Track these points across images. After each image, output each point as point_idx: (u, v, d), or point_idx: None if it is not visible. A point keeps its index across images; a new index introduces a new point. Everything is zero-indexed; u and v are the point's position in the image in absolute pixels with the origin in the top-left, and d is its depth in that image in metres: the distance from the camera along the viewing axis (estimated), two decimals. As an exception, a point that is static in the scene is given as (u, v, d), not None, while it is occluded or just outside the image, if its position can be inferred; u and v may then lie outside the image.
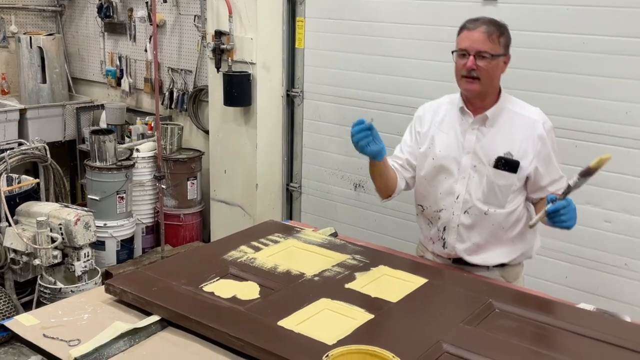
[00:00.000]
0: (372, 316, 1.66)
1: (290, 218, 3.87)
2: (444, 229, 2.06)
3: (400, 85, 3.23)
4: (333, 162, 3.67)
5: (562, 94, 2.80)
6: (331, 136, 3.66)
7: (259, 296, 1.76)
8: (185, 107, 4.20)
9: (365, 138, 1.83)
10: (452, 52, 1.93)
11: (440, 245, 2.09)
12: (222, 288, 1.80)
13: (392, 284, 1.85)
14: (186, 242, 4.08)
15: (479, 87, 1.90)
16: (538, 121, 1.94)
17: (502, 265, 2.06)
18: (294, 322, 1.62)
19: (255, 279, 1.86)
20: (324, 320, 1.65)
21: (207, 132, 4.05)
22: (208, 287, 1.80)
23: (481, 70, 1.87)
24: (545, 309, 1.76)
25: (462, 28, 1.92)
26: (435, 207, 2.07)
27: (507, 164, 1.94)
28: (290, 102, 3.76)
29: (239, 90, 3.54)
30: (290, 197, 3.93)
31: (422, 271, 1.95)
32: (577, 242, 2.89)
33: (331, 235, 2.27)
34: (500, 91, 1.98)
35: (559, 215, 1.76)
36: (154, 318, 1.66)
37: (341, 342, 1.51)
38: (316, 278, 1.88)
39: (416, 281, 1.89)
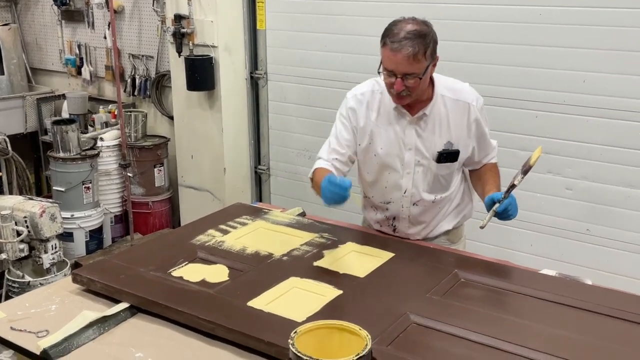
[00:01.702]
0: (340, 292, 1.68)
1: (260, 200, 3.87)
2: (394, 218, 2.10)
3: (364, 63, 3.22)
4: (300, 142, 3.67)
5: (520, 65, 2.84)
6: (297, 117, 3.65)
7: (228, 278, 1.76)
8: (148, 93, 4.15)
9: (339, 203, 1.77)
10: (379, 68, 1.85)
11: (390, 230, 2.13)
12: (191, 272, 1.79)
13: (359, 260, 1.86)
14: (156, 230, 4.05)
15: (411, 99, 1.89)
16: (471, 103, 1.95)
17: (446, 231, 2.13)
18: (263, 302, 1.62)
19: (224, 261, 1.86)
20: (293, 299, 1.66)
21: (171, 118, 4.01)
22: (177, 272, 1.79)
23: (411, 89, 1.84)
24: (509, 276, 1.79)
25: (385, 44, 1.80)
26: (381, 199, 2.09)
27: (448, 156, 1.98)
28: (255, 84, 3.73)
29: (201, 74, 3.50)
30: (259, 180, 3.92)
31: (389, 246, 1.97)
32: (540, 210, 2.96)
33: (299, 215, 2.28)
34: (433, 83, 1.95)
35: (506, 212, 1.84)
36: (123, 305, 1.65)
37: (310, 319, 1.52)
38: (285, 258, 1.89)
39: (383, 256, 1.90)
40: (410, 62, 1.78)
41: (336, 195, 1.73)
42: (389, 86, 1.86)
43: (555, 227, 2.92)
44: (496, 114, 2.92)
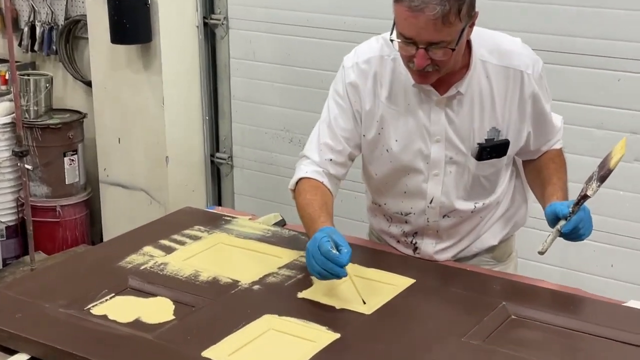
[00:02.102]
0: (337, 335, 1.68)
1: (219, 204, 3.88)
2: (415, 234, 2.14)
3: (372, 2, 3.22)
4: (276, 119, 3.67)
5: (593, 5, 2.87)
6: (272, 82, 3.65)
7: (173, 317, 1.76)
8: (54, 48, 4.13)
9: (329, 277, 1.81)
10: (391, 33, 1.83)
11: (410, 249, 2.16)
12: (119, 309, 1.80)
13: (365, 289, 1.86)
14: (67, 247, 4.05)
15: (438, 75, 1.88)
16: (526, 72, 1.95)
17: (490, 248, 2.17)
18: (225, 352, 1.62)
19: (168, 292, 1.86)
20: (268, 347, 1.65)
21: (89, 84, 4.00)
22: (98, 309, 1.79)
23: (439, 63, 1.83)
24: (581, 311, 1.81)
25: (399, 1, 1.77)
26: (397, 209, 2.12)
27: (494, 149, 2.00)
28: (210, 34, 3.73)
29: (132, 20, 3.49)
30: (217, 174, 3.92)
31: (408, 268, 1.98)
32: (625, 216, 2.98)
33: (277, 224, 2.29)
34: (469, 44, 1.92)
35: (576, 232, 1.87)
36: (22, 358, 1.65)
37: (294, 375, 1.54)
38: (256, 287, 1.89)
39: (399, 283, 1.91)
40: (438, 26, 1.75)
41: (327, 274, 1.78)
42: (407, 59, 1.85)
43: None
44: (560, 76, 2.94)
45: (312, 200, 1.98)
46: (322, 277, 1.80)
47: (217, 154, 3.87)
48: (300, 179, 2.03)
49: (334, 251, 1.78)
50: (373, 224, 2.25)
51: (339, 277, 1.78)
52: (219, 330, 1.69)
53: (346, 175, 2.11)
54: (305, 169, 2.04)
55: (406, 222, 2.12)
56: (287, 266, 1.98)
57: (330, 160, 2.03)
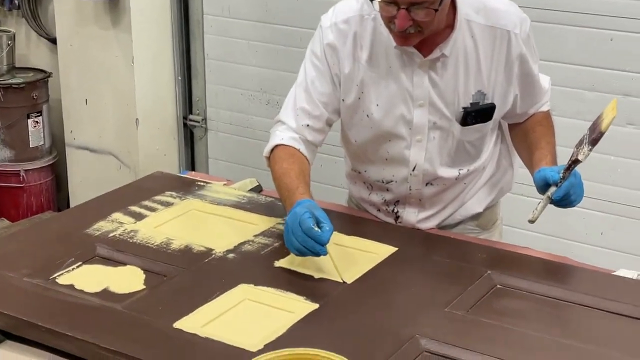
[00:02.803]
0: (316, 306, 1.69)
1: (192, 168, 3.88)
2: (397, 203, 2.15)
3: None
4: (253, 80, 3.66)
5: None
6: (248, 40, 3.64)
7: (144, 287, 1.77)
8: (17, 2, 4.08)
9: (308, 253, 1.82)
10: None
11: (391, 218, 2.17)
12: (87, 278, 1.80)
13: (345, 257, 1.88)
14: (32, 214, 4.02)
15: (421, 37, 1.87)
16: (513, 31, 1.95)
17: (475, 215, 2.19)
18: (198, 323, 1.62)
19: (138, 261, 1.87)
20: (243, 317, 1.67)
21: (54, 41, 3.97)
22: (64, 278, 1.79)
23: (421, 23, 1.82)
24: (569, 280, 1.82)
25: None
26: (378, 176, 2.13)
27: (479, 114, 2.00)
28: (183, -14, 3.76)
29: (99, -29, 3.49)
30: (190, 137, 3.93)
31: (390, 236, 1.99)
32: (615, 182, 3.00)
33: (253, 190, 2.30)
34: (455, 6, 1.91)
35: (567, 199, 1.88)
36: (-16, 329, 1.67)
37: (270, 347, 1.52)
38: (230, 255, 1.90)
39: (380, 251, 1.92)
40: None
41: (307, 251, 1.79)
42: (388, 20, 1.85)
43: (638, 206, 2.98)
44: (550, 35, 2.94)
45: (289, 169, 1.97)
46: (301, 253, 1.80)
47: (190, 116, 3.87)
48: (276, 146, 2.02)
49: (316, 229, 1.78)
50: (352, 191, 2.26)
51: (318, 255, 1.79)
52: (191, 300, 1.69)
53: (324, 142, 2.10)
54: (280, 136, 2.03)
55: (387, 190, 2.12)
56: (264, 234, 1.99)
57: (307, 126, 2.03)
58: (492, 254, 1.94)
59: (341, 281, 1.79)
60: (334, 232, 1.85)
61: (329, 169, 3.24)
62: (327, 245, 1.78)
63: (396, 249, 1.93)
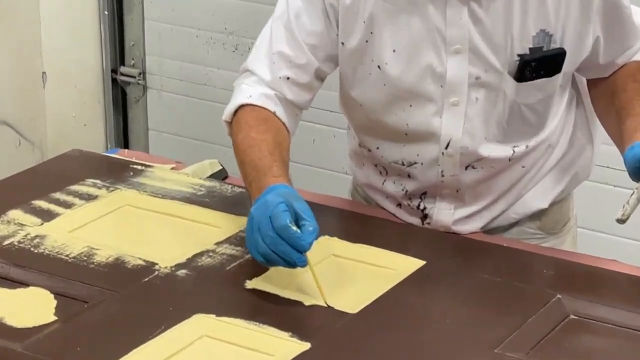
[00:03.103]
0: (306, 346, 1.66)
1: (125, 145, 3.95)
2: (423, 195, 2.15)
3: None
4: (215, 15, 3.70)
5: None
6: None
7: (55, 318, 1.75)
8: None
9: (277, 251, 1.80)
10: None
11: (416, 218, 2.17)
12: (-27, 305, 1.78)
13: (348, 276, 1.89)
14: None
15: None
16: None
17: (537, 213, 2.20)
18: (134, 372, 1.61)
19: (46, 281, 1.86)
20: None
21: None
22: (-59, 306, 1.77)
23: None
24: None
25: None
26: (395, 156, 2.13)
27: (542, 64, 1.99)
28: None
29: None
30: (122, 99, 4.01)
31: (413, 244, 1.99)
32: None
33: (213, 176, 2.33)
34: None
35: None
36: None
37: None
38: (181, 272, 1.89)
39: (399, 266, 1.91)
40: None
41: (278, 259, 1.78)
42: None
43: None
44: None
45: (259, 140, 1.97)
46: (268, 261, 1.79)
47: (122, 69, 3.93)
48: (242, 106, 2.03)
49: (294, 228, 1.76)
50: (359, 177, 2.26)
51: (294, 266, 1.78)
52: (124, 337, 1.68)
53: (311, 103, 2.10)
54: (248, 91, 2.03)
55: (409, 176, 2.12)
56: (229, 241, 1.97)
57: (288, 79, 2.03)
58: (562, 270, 1.92)
59: (325, 305, 1.78)
60: (332, 239, 1.83)
61: (325, 146, 3.25)
62: (309, 253, 1.77)
63: (423, 262, 1.91)
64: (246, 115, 2.01)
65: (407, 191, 2.14)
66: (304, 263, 1.77)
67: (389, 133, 2.09)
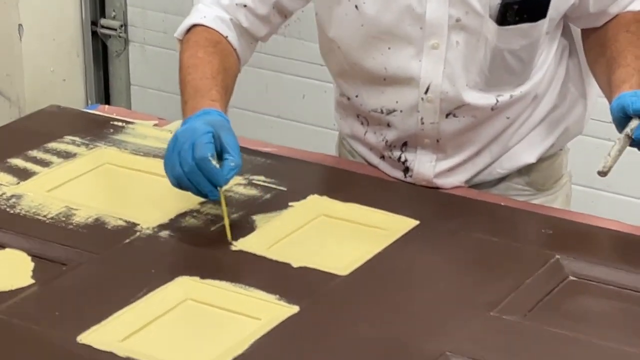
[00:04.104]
0: (295, 309, 1.66)
1: (106, 101, 3.98)
2: (404, 146, 2.15)
3: None
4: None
5: None
6: None
7: (32, 282, 1.75)
8: None
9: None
10: None
11: (398, 169, 2.17)
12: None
13: (338, 236, 1.90)
14: None
15: None
16: None
17: (525, 168, 2.21)
18: (114, 336, 1.60)
19: (23, 242, 1.86)
20: (184, 327, 1.66)
21: None
22: None
23: None
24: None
25: None
26: (374, 104, 2.13)
27: (524, 8, 1.98)
28: None
29: None
30: (102, 53, 3.99)
31: (406, 202, 2.01)
32: None
33: None
34: None
35: None
36: None
37: (226, 373, 1.51)
38: (164, 233, 1.90)
39: (391, 225, 1.92)
40: None
41: (191, 186, 1.83)
42: None
43: None
44: None
45: (206, 61, 1.99)
46: (181, 187, 1.85)
47: (103, 21, 3.91)
48: (194, 25, 2.04)
49: (214, 163, 1.80)
50: (343, 128, 2.28)
51: (206, 197, 1.85)
52: (105, 301, 1.68)
53: (269, 38, 2.15)
54: (204, 12, 2.06)
55: (389, 125, 2.12)
56: (216, 200, 1.95)
57: (245, 6, 2.05)
58: (560, 229, 1.91)
59: (230, 241, 1.84)
60: (322, 198, 1.84)
61: (316, 101, 3.25)
62: (224, 190, 1.83)
63: (417, 222, 1.91)
64: (197, 36, 2.03)
65: (387, 141, 2.14)
66: (215, 197, 1.83)
67: (368, 78, 2.09)
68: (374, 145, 2.17)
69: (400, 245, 1.86)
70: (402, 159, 2.14)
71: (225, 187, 1.84)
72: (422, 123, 2.08)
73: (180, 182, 1.82)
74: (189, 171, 1.80)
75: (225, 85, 1.98)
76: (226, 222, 1.85)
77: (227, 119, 1.89)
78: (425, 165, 2.13)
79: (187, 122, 1.87)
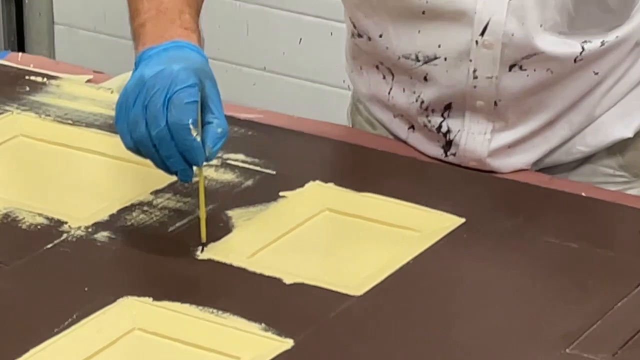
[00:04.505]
0: (288, 344, 1.66)
1: (19, 47, 4.01)
2: (446, 110, 2.18)
3: None
4: None
5: None
6: None
7: None
8: None
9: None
10: None
11: (436, 145, 2.23)
12: None
13: (349, 240, 1.93)
14: None
15: None
16: None
17: (618, 145, 2.25)
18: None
19: None
20: None
21: None
22: None
23: None
24: None
25: None
26: (405, 48, 2.17)
27: None
28: None
29: None
30: None
31: (437, 189, 2.05)
32: None
33: None
34: None
35: None
36: None
37: None
38: (102, 234, 1.90)
39: (425, 225, 1.94)
40: None
41: (158, 160, 1.85)
42: None
43: None
44: None
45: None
46: (139, 152, 1.85)
47: None
48: None
49: (194, 134, 1.80)
50: (359, 86, 2.31)
51: (174, 175, 1.87)
52: (17, 333, 1.67)
53: None
54: None
55: (426, 78, 2.14)
56: (174, 189, 2.00)
57: None
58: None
59: (204, 241, 1.87)
60: (326, 186, 1.86)
61: (317, 47, 3.27)
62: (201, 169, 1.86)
63: (461, 220, 1.92)
64: None
65: (422, 102, 2.16)
66: (188, 179, 1.85)
67: (400, 10, 2.12)
68: (403, 108, 2.19)
69: (437, 254, 1.86)
70: (443, 129, 2.16)
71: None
72: (475, 77, 2.10)
73: (140, 147, 1.83)
74: (158, 137, 1.80)
75: (197, 8, 1.99)
76: (202, 214, 1.86)
77: (206, 58, 1.90)
78: (477, 139, 2.15)
79: (149, 58, 1.85)
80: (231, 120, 2.15)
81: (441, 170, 2.12)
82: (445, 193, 2.01)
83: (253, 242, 1.88)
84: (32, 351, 1.63)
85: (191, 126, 1.78)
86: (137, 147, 1.82)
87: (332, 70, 2.98)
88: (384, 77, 2.20)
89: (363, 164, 2.10)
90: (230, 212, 1.94)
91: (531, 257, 1.88)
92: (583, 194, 2.04)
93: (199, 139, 1.79)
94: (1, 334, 1.68)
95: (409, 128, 2.22)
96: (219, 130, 1.82)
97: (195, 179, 1.85)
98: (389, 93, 2.20)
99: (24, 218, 1.92)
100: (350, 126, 2.34)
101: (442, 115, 2.15)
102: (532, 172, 2.14)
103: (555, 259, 1.87)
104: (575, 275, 1.83)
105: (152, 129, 1.78)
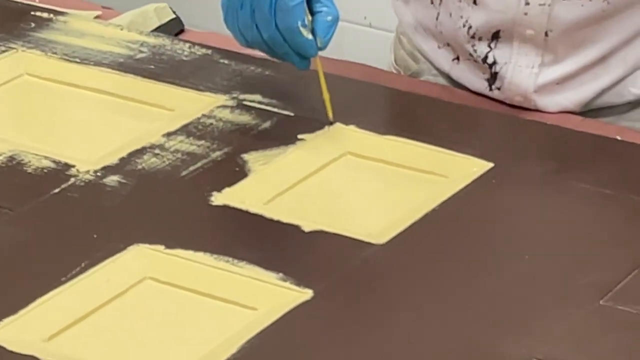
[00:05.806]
0: (307, 294, 1.66)
1: None
2: (494, 41, 2.17)
3: None
4: None
5: None
6: None
7: None
8: None
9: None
10: None
11: (482, 78, 2.22)
12: None
13: (371, 186, 1.93)
14: None
15: None
16: None
17: None
18: (38, 335, 1.60)
19: None
20: (142, 320, 1.64)
21: None
22: None
23: None
24: None
25: None
26: None
27: None
28: None
29: None
30: None
31: (466, 132, 2.03)
32: None
33: (162, 29, 2.40)
34: None
35: None
36: None
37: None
38: (112, 179, 1.88)
39: (451, 170, 1.92)
40: None
41: (272, 51, 1.95)
42: None
43: None
44: None
45: None
46: (252, 46, 1.98)
47: None
48: None
49: (305, 33, 1.90)
50: (404, 16, 2.33)
51: (292, 62, 1.97)
52: (24, 282, 1.68)
53: None
54: None
55: (475, 2, 2.14)
56: (187, 131, 2.00)
57: None
58: None
59: (330, 122, 1.97)
60: (347, 128, 1.90)
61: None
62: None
63: (489, 165, 1.92)
64: None
65: (470, 28, 2.16)
66: (305, 67, 1.98)
67: None
68: (450, 36, 2.20)
69: (464, 200, 1.86)
70: (489, 60, 2.17)
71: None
72: (527, 3, 2.09)
73: (255, 46, 1.97)
74: (270, 39, 1.91)
75: None
76: (325, 96, 1.95)
77: None
78: (523, 73, 2.15)
79: None
80: (247, 59, 2.20)
81: (468, 112, 2.12)
82: (472, 136, 2.01)
83: (270, 188, 1.87)
84: (38, 301, 1.64)
85: (301, 28, 1.88)
86: (250, 46, 1.97)
87: (353, 6, 2.96)
88: (432, 2, 2.21)
89: (386, 105, 2.09)
90: (246, 156, 1.93)
91: (563, 203, 1.88)
92: (618, 137, 2.03)
93: (309, 36, 1.89)
94: (6, 283, 1.69)
95: (453, 59, 2.23)
96: (329, 18, 1.90)
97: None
98: (436, 19, 2.21)
99: (29, 161, 1.91)
100: (393, 61, 2.34)
101: (489, 46, 2.16)
102: (563, 114, 2.14)
103: (589, 206, 1.87)
104: (609, 224, 1.83)
105: (263, 33, 1.90)
